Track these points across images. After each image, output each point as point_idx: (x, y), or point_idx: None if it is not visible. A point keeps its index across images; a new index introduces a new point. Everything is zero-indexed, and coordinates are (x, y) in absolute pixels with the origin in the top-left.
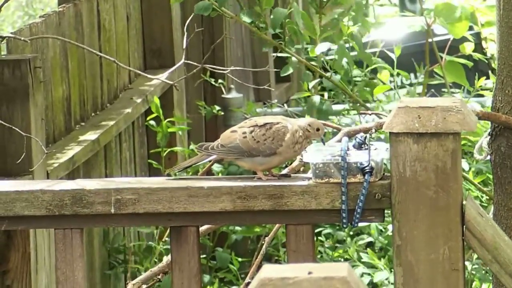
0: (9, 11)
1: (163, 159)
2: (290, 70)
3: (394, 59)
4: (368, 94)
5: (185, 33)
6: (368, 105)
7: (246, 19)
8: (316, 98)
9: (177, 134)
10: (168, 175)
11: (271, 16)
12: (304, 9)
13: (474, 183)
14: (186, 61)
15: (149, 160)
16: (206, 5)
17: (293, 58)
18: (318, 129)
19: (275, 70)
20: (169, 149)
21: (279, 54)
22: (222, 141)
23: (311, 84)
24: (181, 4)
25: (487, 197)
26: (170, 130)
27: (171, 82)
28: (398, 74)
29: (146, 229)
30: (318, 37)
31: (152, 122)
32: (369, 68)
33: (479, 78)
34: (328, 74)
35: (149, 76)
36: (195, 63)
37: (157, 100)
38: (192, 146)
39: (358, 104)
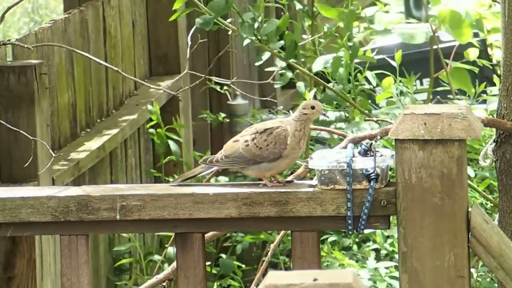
0: (15, 17)
1: (163, 167)
2: (286, 80)
3: (395, 66)
4: (367, 104)
5: (189, 43)
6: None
7: (246, 33)
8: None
9: (182, 140)
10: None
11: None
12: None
13: (479, 190)
14: (190, 71)
15: (151, 169)
16: (207, 19)
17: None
18: (313, 107)
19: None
20: (169, 157)
21: (275, 69)
22: (225, 152)
23: (311, 93)
24: None
25: (492, 205)
26: (171, 135)
27: (174, 93)
28: (400, 81)
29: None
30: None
31: (152, 130)
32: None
33: (485, 85)
34: (330, 85)
35: (152, 86)
36: (198, 74)
37: (157, 108)
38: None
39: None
